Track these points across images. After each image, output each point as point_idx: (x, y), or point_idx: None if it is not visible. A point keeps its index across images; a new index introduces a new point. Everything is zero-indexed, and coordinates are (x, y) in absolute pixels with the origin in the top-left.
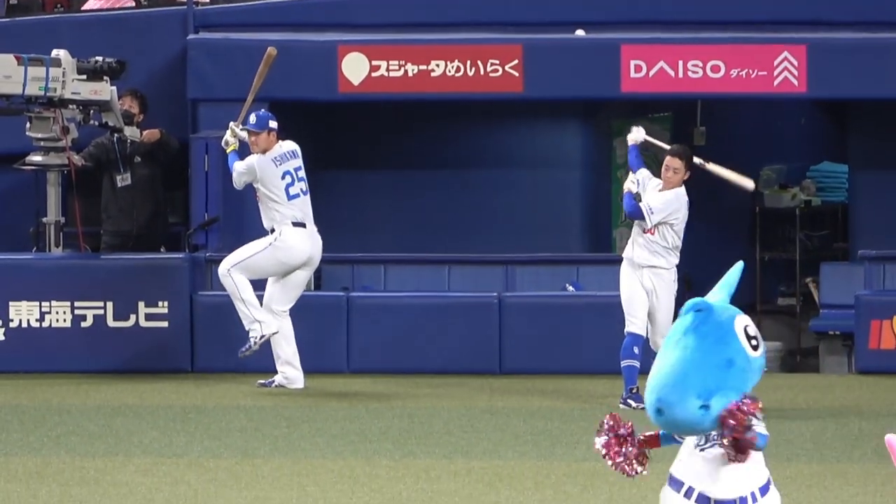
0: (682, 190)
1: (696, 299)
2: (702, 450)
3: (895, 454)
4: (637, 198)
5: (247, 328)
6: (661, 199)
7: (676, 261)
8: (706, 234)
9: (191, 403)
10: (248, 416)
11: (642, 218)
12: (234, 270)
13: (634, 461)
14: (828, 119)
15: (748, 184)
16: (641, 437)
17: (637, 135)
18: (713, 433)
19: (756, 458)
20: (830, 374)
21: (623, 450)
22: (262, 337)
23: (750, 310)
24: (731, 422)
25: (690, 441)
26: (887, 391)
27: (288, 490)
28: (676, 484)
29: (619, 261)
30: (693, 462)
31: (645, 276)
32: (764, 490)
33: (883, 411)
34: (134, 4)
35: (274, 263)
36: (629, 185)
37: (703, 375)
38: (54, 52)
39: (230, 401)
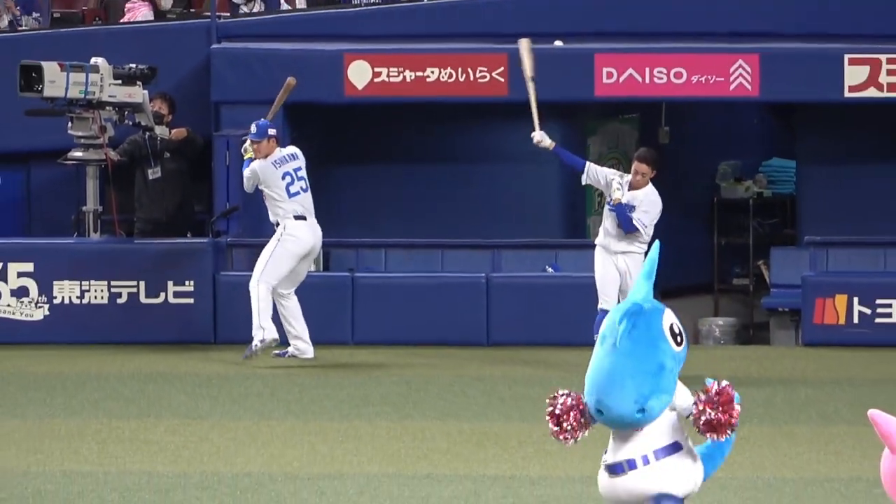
0: (652, 189)
1: (629, 304)
2: None
3: (879, 427)
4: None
5: (252, 333)
6: (644, 208)
7: (646, 245)
8: (671, 223)
9: (214, 371)
10: (265, 383)
11: (638, 232)
12: (261, 282)
13: (578, 431)
14: (778, 120)
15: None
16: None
17: (545, 141)
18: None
19: (660, 425)
20: (780, 347)
21: (571, 421)
22: (263, 342)
23: (708, 289)
24: (715, 434)
25: None
26: (830, 361)
27: (300, 448)
28: (604, 453)
29: (593, 246)
30: (611, 436)
31: (619, 260)
32: (662, 452)
33: (826, 380)
34: (153, 18)
35: (288, 255)
36: (617, 195)
37: (639, 382)
38: (93, 60)
39: (249, 369)
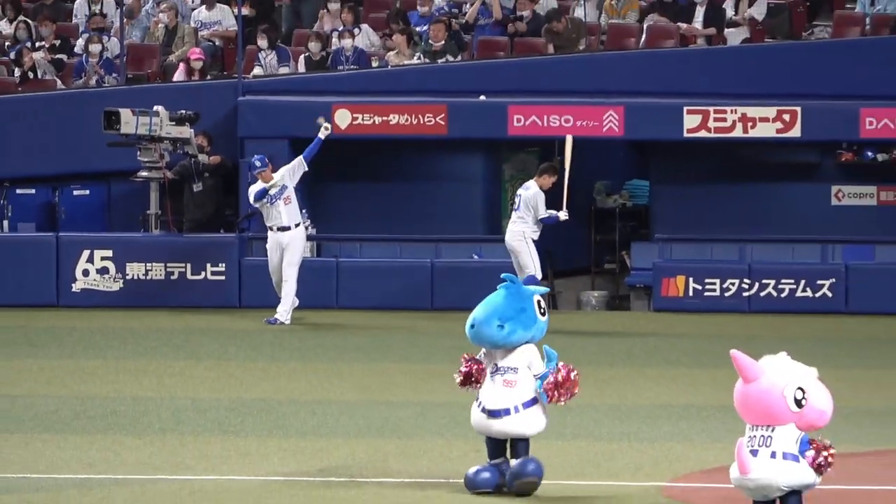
0: None
1: (511, 275)
2: (492, 376)
3: (737, 361)
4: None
5: (278, 311)
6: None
7: None
8: (563, 225)
9: (238, 327)
10: (274, 335)
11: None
12: (295, 276)
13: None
14: (637, 152)
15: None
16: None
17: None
18: (503, 366)
19: (525, 383)
20: (637, 312)
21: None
22: (282, 323)
23: (587, 271)
24: (553, 392)
25: (490, 366)
26: (672, 323)
27: (298, 382)
28: (476, 401)
29: (503, 239)
30: (487, 386)
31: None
32: (528, 405)
33: (669, 334)
34: (185, 78)
35: (302, 250)
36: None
37: (504, 309)
38: (155, 107)
39: (263, 326)
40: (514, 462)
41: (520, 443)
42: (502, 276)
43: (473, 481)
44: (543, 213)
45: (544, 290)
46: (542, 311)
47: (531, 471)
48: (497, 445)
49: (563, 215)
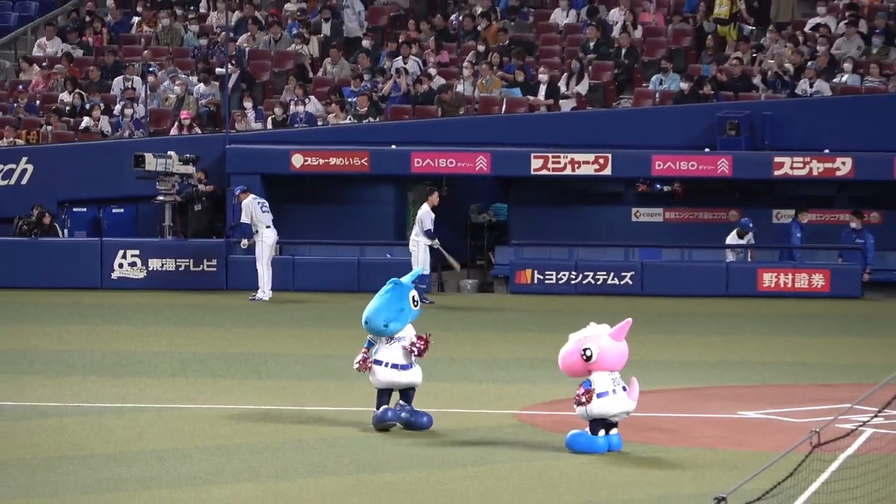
0: None
1: (396, 279)
2: (389, 343)
3: (626, 326)
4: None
5: (258, 291)
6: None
7: None
8: (449, 234)
9: (226, 303)
10: (253, 309)
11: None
12: (259, 266)
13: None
14: (499, 184)
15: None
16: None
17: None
18: (396, 337)
19: (402, 349)
20: (499, 294)
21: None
22: (259, 299)
23: (465, 265)
24: (417, 349)
25: (384, 340)
26: (523, 301)
27: (267, 341)
28: (378, 362)
29: (407, 243)
30: (387, 350)
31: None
32: (410, 366)
33: (521, 309)
34: (178, 131)
35: (268, 249)
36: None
37: (388, 311)
38: (169, 152)
39: (245, 302)
40: (408, 409)
41: (410, 391)
42: (392, 279)
43: (382, 419)
44: (425, 227)
45: (419, 270)
46: (416, 303)
47: (425, 422)
48: (388, 394)
49: (435, 244)
